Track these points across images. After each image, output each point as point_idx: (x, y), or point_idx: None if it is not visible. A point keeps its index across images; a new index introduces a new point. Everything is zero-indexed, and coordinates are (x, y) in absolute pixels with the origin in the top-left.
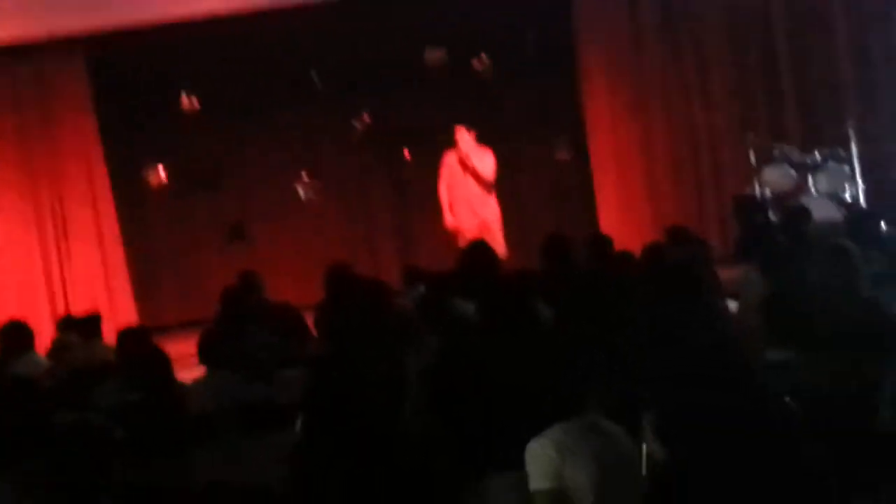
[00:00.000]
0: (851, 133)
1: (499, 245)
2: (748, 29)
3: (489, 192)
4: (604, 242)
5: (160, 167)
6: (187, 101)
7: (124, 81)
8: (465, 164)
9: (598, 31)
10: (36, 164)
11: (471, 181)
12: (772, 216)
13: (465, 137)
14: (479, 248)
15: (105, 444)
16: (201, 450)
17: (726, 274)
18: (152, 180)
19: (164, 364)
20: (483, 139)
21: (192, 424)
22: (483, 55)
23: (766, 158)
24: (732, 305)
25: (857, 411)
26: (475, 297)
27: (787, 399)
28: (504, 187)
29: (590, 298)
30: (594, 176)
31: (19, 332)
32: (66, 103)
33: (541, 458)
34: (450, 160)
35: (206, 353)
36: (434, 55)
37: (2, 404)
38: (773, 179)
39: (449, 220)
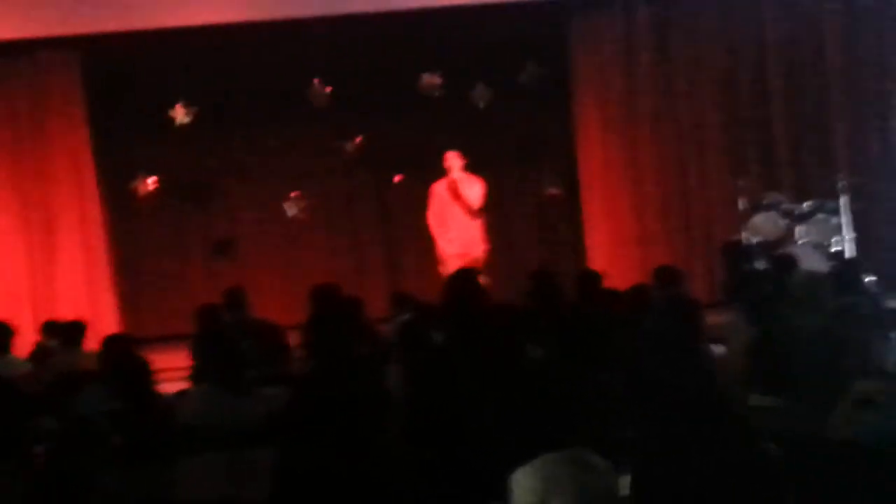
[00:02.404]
0: (841, 185)
1: (483, 275)
2: (743, 77)
3: (475, 219)
4: (593, 278)
5: (150, 177)
6: (181, 112)
7: (119, 87)
8: (453, 190)
9: (593, 69)
10: (25, 164)
11: (458, 209)
12: (759, 263)
13: (455, 163)
14: (464, 277)
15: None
16: (184, 462)
17: (712, 319)
18: (141, 190)
19: (147, 373)
20: (474, 168)
21: (176, 435)
22: (479, 84)
23: (755, 206)
24: (718, 350)
25: (838, 457)
26: (459, 327)
27: (770, 444)
28: (493, 218)
29: (577, 334)
30: (584, 213)
31: None
32: (59, 105)
33: (524, 487)
34: (438, 189)
35: (191, 367)
36: (430, 81)
37: None
38: (762, 227)
39: (440, 248)
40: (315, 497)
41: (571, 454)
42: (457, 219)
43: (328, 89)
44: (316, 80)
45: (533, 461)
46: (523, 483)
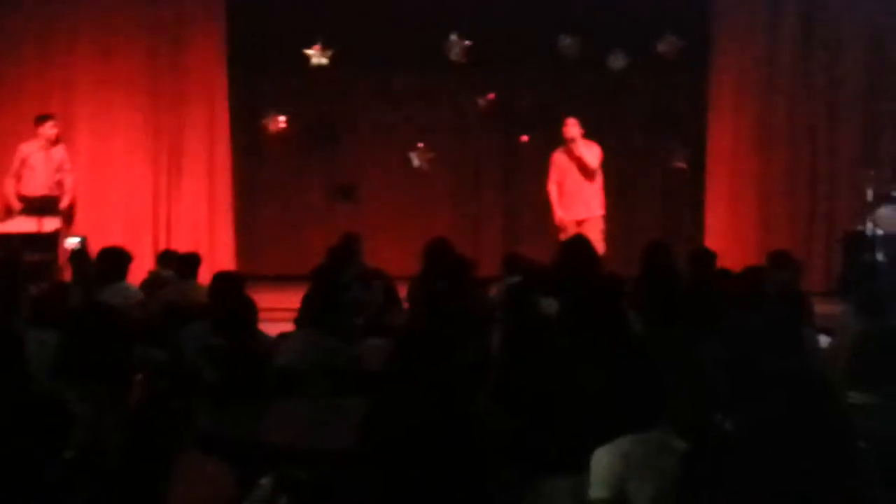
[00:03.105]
0: None
1: (598, 242)
2: (886, 72)
3: (592, 180)
4: (708, 256)
5: (281, 116)
6: (318, 53)
7: (259, 22)
8: (571, 153)
9: (732, 46)
10: (161, 88)
11: (577, 174)
12: (879, 256)
13: (573, 130)
14: (578, 243)
15: (193, 386)
16: (280, 404)
17: (825, 308)
18: (271, 127)
19: (252, 313)
20: (604, 134)
21: (275, 377)
22: (617, 50)
23: (882, 197)
24: (825, 340)
25: None
26: (569, 293)
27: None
28: (616, 185)
29: (685, 310)
30: (707, 191)
31: (116, 260)
32: (199, 34)
33: (607, 467)
34: (557, 157)
35: (300, 309)
36: (567, 43)
37: (88, 329)
38: (887, 219)
39: (558, 215)
40: (400, 453)
41: (655, 437)
42: (576, 183)
43: (467, 43)
44: (455, 34)
45: (617, 440)
46: (604, 461)
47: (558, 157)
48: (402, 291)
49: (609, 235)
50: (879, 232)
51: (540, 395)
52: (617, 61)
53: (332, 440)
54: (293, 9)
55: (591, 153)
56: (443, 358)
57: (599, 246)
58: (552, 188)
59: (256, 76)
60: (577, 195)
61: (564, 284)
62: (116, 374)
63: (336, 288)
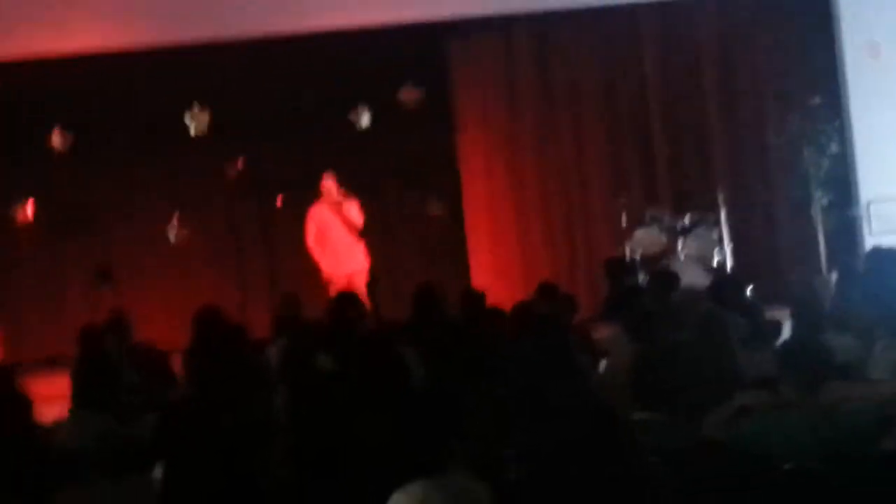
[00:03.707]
0: (720, 198)
1: (365, 295)
2: (623, 93)
3: (358, 239)
4: (476, 297)
5: (29, 204)
6: (59, 139)
7: None
8: (337, 210)
9: (474, 88)
10: None
11: (341, 229)
12: (641, 278)
13: (331, 185)
14: (347, 299)
15: None
16: (63, 492)
17: (596, 333)
18: (20, 216)
19: (25, 406)
20: (356, 190)
21: (54, 465)
22: (360, 105)
23: (637, 220)
24: (601, 365)
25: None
26: (340, 348)
27: (653, 458)
28: (377, 240)
29: (459, 353)
30: (467, 232)
31: None
32: None
33: None
34: (316, 212)
35: (72, 393)
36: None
37: None
38: (644, 241)
39: (324, 269)
40: None
41: (448, 479)
42: (339, 239)
43: (208, 113)
44: (194, 105)
45: (409, 486)
46: None
47: (317, 212)
48: (176, 365)
49: (377, 287)
50: (638, 254)
51: (325, 451)
52: (361, 116)
53: None
54: (31, 94)
55: (354, 211)
56: (219, 424)
57: (368, 298)
58: (312, 244)
59: (2, 165)
60: (343, 249)
61: (338, 338)
62: None
63: (107, 367)
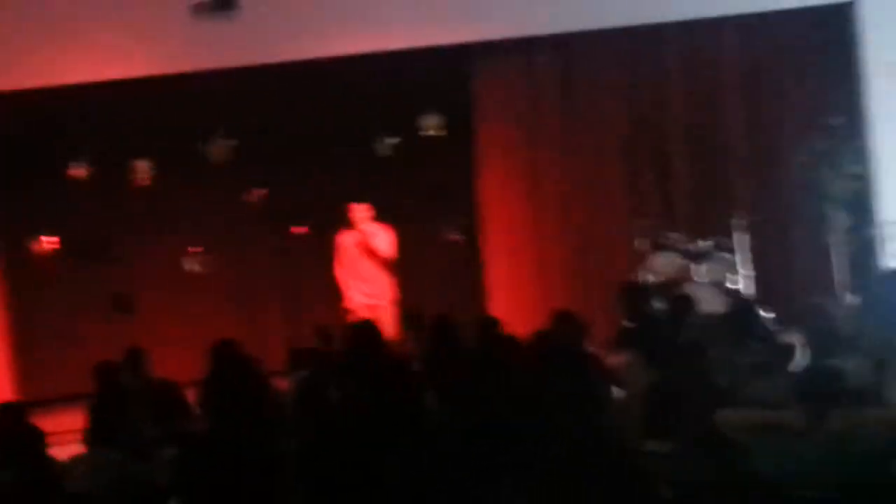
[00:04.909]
0: (739, 223)
1: (390, 326)
2: (643, 119)
3: (385, 270)
4: (492, 324)
5: (48, 236)
6: (79, 169)
7: (13, 144)
8: (362, 244)
9: (496, 117)
10: None
11: (366, 260)
12: (657, 304)
13: (362, 216)
14: (366, 328)
15: None
16: None
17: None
18: (39, 248)
19: (38, 442)
20: (380, 217)
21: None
22: (383, 134)
23: (653, 245)
24: (617, 393)
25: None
26: (358, 380)
27: (663, 488)
28: (398, 267)
29: (475, 382)
30: (485, 259)
31: None
32: None
33: None
34: (345, 240)
35: (86, 431)
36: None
37: None
38: (660, 266)
39: (349, 298)
40: None
41: None
42: (367, 269)
43: (230, 142)
44: (215, 133)
45: None
46: None
47: (345, 240)
48: (192, 396)
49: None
50: (655, 279)
51: (344, 487)
52: (383, 144)
53: None
54: (49, 125)
55: (384, 242)
56: (233, 459)
57: (391, 329)
58: (339, 271)
59: (20, 196)
60: (368, 279)
61: (356, 370)
62: None
63: (123, 404)
